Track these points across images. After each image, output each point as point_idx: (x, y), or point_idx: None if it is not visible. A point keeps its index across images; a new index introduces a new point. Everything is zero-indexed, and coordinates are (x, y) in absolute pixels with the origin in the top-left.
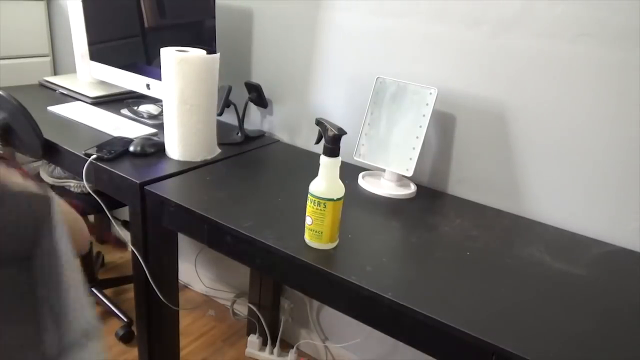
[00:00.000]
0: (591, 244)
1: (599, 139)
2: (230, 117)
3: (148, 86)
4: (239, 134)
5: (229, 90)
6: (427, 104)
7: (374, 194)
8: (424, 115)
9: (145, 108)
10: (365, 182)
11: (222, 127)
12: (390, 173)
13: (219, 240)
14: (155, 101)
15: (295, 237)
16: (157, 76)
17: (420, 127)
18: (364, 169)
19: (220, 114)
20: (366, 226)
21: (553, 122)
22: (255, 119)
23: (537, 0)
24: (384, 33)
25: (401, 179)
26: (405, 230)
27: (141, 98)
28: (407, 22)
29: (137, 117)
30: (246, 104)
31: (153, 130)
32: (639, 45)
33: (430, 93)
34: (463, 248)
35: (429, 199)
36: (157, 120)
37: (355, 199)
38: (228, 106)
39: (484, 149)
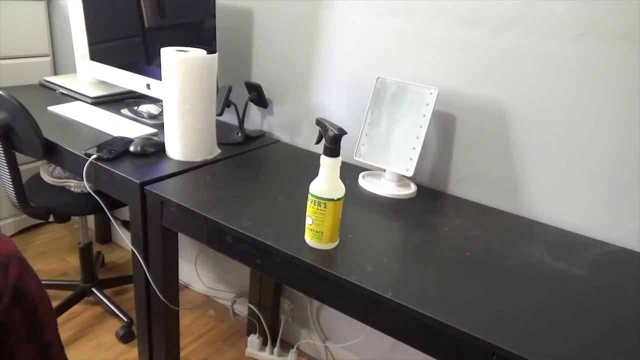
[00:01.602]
0: (591, 244)
1: (599, 139)
2: (230, 117)
3: (148, 86)
4: (239, 134)
5: (229, 90)
6: (427, 104)
7: (374, 194)
8: (424, 115)
9: (145, 108)
10: (366, 182)
11: (222, 127)
12: (390, 173)
13: (219, 240)
14: (155, 101)
15: (295, 237)
16: (157, 76)
17: (421, 127)
18: (364, 169)
19: (220, 114)
20: (367, 226)
21: (553, 122)
22: (255, 119)
23: (537, 0)
24: (384, 33)
25: (401, 179)
26: (405, 230)
27: (141, 98)
28: (408, 22)
29: (137, 117)
30: (246, 104)
31: (153, 130)
32: (639, 45)
33: (431, 93)
34: (463, 248)
35: (429, 199)
36: (157, 120)
37: (355, 199)
38: (228, 106)
39: (485, 148)
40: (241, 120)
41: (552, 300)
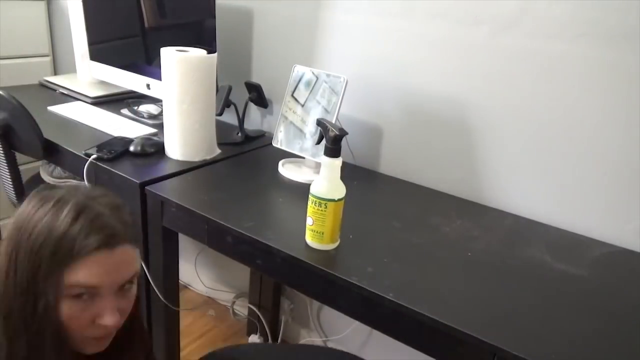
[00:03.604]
0: (592, 244)
1: (600, 139)
2: (230, 117)
3: (148, 86)
4: (239, 134)
5: (229, 90)
6: (338, 93)
7: (293, 180)
8: (335, 104)
9: (145, 108)
10: (285, 169)
11: (222, 127)
12: (308, 159)
13: (220, 240)
14: (155, 101)
15: (296, 238)
16: (157, 76)
17: (332, 115)
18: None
19: (220, 114)
20: (368, 227)
21: (553, 122)
22: (255, 119)
23: (536, 0)
24: (384, 33)
25: (319, 165)
26: (407, 231)
27: (141, 98)
28: (408, 22)
29: (137, 117)
30: (246, 104)
31: (153, 130)
32: (639, 45)
33: (341, 81)
34: (463, 248)
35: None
36: (157, 120)
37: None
38: (228, 106)
39: (483, 148)
40: (241, 120)
41: (552, 301)
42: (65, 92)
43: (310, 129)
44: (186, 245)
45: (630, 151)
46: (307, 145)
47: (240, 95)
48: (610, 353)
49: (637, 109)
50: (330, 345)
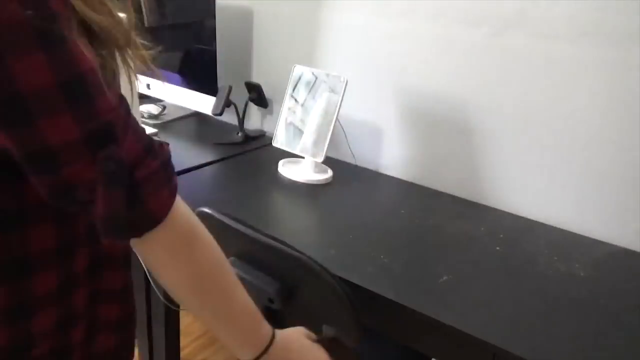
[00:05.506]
0: (593, 244)
1: (600, 139)
2: (230, 117)
3: (148, 86)
4: (239, 134)
5: (229, 90)
6: (338, 93)
7: (292, 180)
8: (335, 104)
9: (145, 108)
10: (285, 169)
11: (222, 127)
12: (308, 159)
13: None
14: (156, 101)
15: (297, 237)
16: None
17: (332, 115)
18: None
19: (220, 114)
20: (368, 227)
21: (553, 122)
22: (255, 119)
23: (536, 0)
24: (384, 33)
25: (318, 165)
26: (407, 231)
27: (142, 98)
28: (408, 22)
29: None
30: (246, 104)
31: (154, 131)
32: (639, 45)
33: (341, 81)
34: (463, 249)
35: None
36: (157, 120)
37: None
38: (228, 106)
39: (483, 148)
40: (241, 120)
41: (552, 301)
42: None
43: (310, 128)
44: None
45: (631, 151)
46: (307, 145)
47: (240, 95)
48: (610, 353)
49: (638, 109)
50: None
